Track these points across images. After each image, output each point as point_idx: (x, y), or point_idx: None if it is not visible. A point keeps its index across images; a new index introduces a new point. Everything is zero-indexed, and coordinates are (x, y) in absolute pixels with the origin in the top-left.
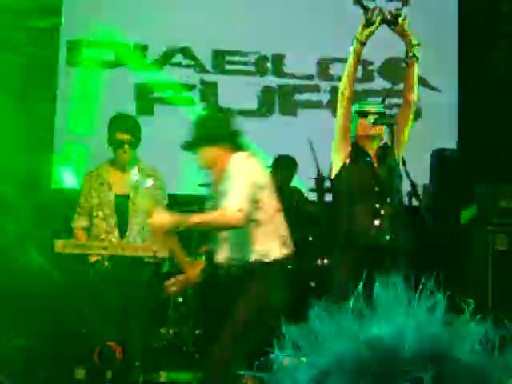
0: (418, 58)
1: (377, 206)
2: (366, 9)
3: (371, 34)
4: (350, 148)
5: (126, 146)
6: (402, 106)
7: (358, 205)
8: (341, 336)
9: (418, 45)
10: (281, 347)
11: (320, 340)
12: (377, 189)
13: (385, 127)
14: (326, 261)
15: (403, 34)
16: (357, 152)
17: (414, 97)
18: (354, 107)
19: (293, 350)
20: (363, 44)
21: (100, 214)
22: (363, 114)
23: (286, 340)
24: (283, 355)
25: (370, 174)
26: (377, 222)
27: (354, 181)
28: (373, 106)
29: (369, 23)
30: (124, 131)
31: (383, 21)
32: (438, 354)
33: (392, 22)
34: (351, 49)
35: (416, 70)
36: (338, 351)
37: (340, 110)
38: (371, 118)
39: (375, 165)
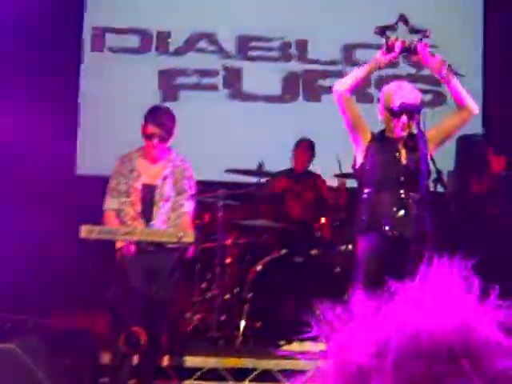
0: (453, 74)
1: (402, 195)
2: (387, 37)
3: (391, 61)
4: (369, 138)
5: (156, 140)
6: (457, 112)
7: (382, 193)
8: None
9: (449, 66)
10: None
11: (372, 317)
12: (402, 178)
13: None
14: (350, 247)
15: (426, 63)
16: (381, 139)
17: (470, 110)
18: (386, 102)
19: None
20: (380, 68)
21: (127, 200)
22: (396, 115)
23: (324, 321)
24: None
25: (395, 163)
26: (402, 212)
27: (378, 169)
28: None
29: (389, 50)
30: (155, 124)
31: (403, 49)
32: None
33: (413, 50)
34: (366, 66)
35: (457, 84)
36: (407, 326)
37: (341, 109)
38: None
39: (402, 152)
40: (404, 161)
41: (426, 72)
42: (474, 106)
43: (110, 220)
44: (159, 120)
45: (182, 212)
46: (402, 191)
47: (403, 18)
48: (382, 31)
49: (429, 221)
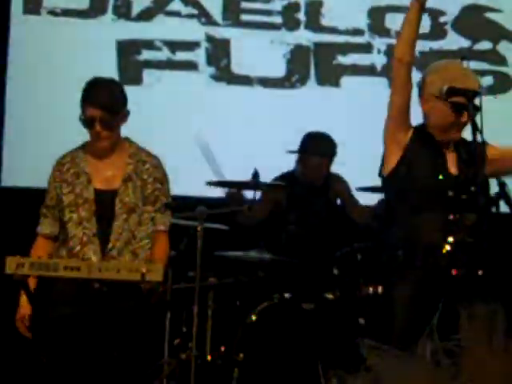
0: None
1: (451, 216)
2: None
3: None
4: (410, 134)
5: (98, 126)
6: None
7: (423, 214)
8: None
9: None
10: None
11: None
12: (451, 193)
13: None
14: (379, 289)
15: None
16: (423, 140)
17: None
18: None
19: None
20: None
21: (74, 217)
22: (458, 107)
23: None
24: None
25: (442, 172)
26: (451, 239)
27: (419, 180)
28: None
29: None
30: (93, 104)
31: None
32: None
33: None
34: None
35: None
36: None
37: (397, 82)
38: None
39: (449, 158)
40: (453, 169)
41: (485, 45)
42: None
43: (36, 248)
44: (98, 97)
45: (156, 231)
46: (450, 212)
47: None
48: None
49: (488, 253)
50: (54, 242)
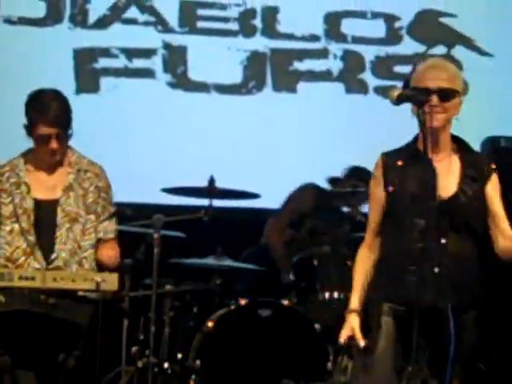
0: None
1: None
2: None
3: None
4: None
5: (55, 144)
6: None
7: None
8: None
9: None
10: None
11: None
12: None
13: None
14: (336, 294)
15: None
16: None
17: None
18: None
19: None
20: None
21: (16, 227)
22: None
23: None
24: None
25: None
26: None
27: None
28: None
29: None
30: (50, 122)
31: None
32: None
33: None
34: None
35: None
36: None
37: None
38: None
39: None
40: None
41: (440, 50)
42: None
43: None
44: (52, 114)
45: (106, 239)
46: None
47: None
48: None
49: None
50: None
